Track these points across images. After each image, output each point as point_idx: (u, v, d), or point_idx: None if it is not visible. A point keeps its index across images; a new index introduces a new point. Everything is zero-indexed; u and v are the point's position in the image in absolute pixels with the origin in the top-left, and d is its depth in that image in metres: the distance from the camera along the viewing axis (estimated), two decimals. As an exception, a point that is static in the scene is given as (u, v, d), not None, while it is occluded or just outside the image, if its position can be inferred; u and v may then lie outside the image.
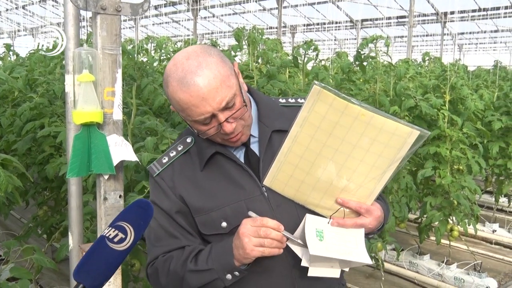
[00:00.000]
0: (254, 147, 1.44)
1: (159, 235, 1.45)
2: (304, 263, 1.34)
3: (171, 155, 1.46)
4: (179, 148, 1.47)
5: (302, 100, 1.53)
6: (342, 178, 1.32)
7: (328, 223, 1.35)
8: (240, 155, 1.44)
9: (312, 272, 1.34)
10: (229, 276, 1.33)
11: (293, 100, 1.56)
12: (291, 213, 1.38)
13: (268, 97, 1.57)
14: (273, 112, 1.47)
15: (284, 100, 1.56)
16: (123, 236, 1.02)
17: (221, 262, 1.33)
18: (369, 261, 1.32)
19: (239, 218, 1.33)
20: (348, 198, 1.34)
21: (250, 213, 1.33)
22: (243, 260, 1.30)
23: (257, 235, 1.27)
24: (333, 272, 1.37)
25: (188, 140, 1.47)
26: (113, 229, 1.03)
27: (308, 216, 1.35)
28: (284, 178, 1.36)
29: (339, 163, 1.31)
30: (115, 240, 1.01)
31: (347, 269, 1.39)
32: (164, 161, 1.46)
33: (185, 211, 1.42)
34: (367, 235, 1.42)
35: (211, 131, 1.33)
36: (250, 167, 1.40)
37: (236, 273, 1.33)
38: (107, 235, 1.02)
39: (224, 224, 1.38)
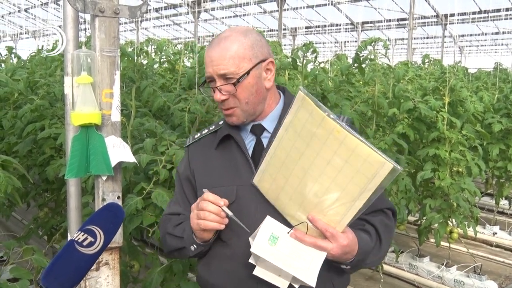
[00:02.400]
0: (265, 141, 1.51)
1: (175, 197, 1.66)
2: (251, 259, 1.32)
3: (203, 132, 1.62)
4: (211, 128, 1.61)
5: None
6: (316, 194, 1.28)
7: (288, 233, 1.30)
8: (251, 145, 1.52)
9: (257, 272, 1.32)
10: (192, 247, 1.47)
11: None
12: (274, 211, 1.40)
13: None
14: None
15: None
16: (93, 240, 1.03)
17: (188, 233, 1.46)
18: (313, 285, 1.26)
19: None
20: (318, 217, 1.29)
21: (204, 190, 1.40)
22: (195, 233, 1.41)
23: (197, 208, 1.37)
24: (280, 282, 1.31)
25: (220, 122, 1.59)
26: (82, 233, 1.04)
27: (268, 218, 1.33)
28: (268, 179, 1.37)
29: (313, 177, 1.27)
30: (84, 243, 1.02)
31: (296, 286, 1.31)
32: (196, 136, 1.63)
33: (192, 181, 1.58)
34: (338, 264, 1.37)
35: (212, 92, 1.48)
36: (253, 157, 1.48)
37: (195, 245, 1.45)
38: (76, 239, 1.03)
39: None
